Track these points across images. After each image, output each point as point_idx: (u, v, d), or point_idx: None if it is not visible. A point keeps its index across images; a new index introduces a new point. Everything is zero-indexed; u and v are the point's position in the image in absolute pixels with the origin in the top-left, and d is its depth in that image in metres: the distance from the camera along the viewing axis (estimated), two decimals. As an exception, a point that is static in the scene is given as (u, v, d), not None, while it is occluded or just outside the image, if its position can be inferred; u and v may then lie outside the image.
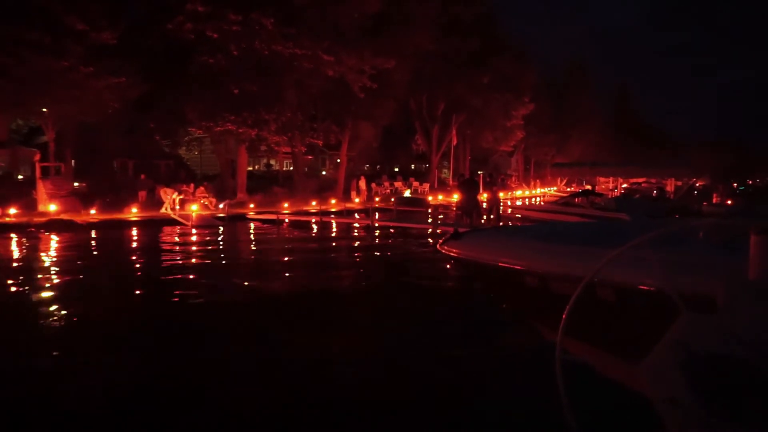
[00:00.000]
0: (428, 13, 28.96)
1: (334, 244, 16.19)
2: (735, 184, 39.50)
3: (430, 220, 22.03)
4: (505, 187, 42.79)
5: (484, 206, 20.52)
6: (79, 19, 18.60)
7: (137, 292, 9.22)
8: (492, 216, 19.48)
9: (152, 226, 18.49)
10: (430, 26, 29.18)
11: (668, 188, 33.71)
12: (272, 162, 44.91)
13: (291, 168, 45.53)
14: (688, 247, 2.38)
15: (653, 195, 28.68)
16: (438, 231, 17.01)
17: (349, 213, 24.14)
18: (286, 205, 23.52)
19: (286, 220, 20.76)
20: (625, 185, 41.59)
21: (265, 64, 22.96)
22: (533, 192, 46.92)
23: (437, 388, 4.77)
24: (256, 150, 29.03)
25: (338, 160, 34.94)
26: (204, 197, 22.65)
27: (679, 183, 35.69)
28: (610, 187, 41.04)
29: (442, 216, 23.24)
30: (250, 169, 38.47)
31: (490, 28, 37.41)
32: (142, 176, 24.04)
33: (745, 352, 1.68)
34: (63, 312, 7.73)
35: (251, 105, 23.13)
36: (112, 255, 13.54)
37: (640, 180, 42.22)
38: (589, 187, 37.64)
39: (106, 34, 19.31)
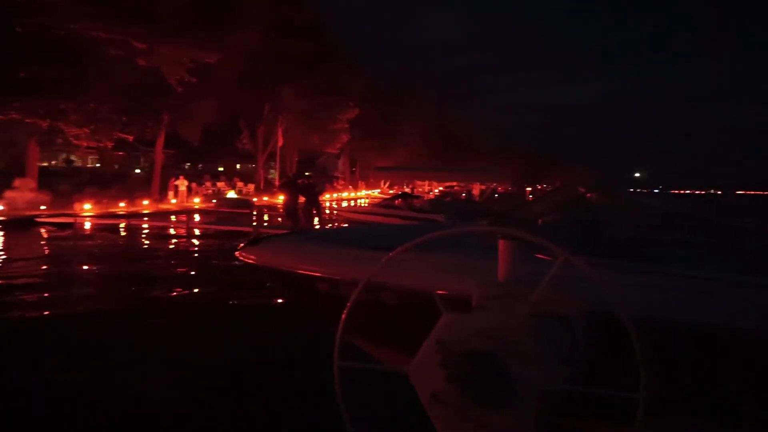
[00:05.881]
0: (256, 11, 28.19)
1: (128, 252, 14.25)
2: (528, 189, 45.47)
3: (254, 223, 21.42)
4: (333, 188, 43.65)
5: (312, 209, 20.58)
6: None
7: None
8: (315, 218, 19.65)
9: None
10: (258, 25, 28.44)
11: (474, 191, 37.50)
12: (74, 158, 39.78)
13: (98, 165, 40.87)
14: (457, 250, 2.60)
15: (462, 198, 31.59)
16: (260, 234, 16.58)
17: (164, 215, 22.41)
18: (87, 206, 20.92)
19: (87, 224, 18.42)
20: (439, 188, 45.36)
21: (62, 46, 20.20)
22: (359, 194, 48.59)
23: (218, 392, 4.64)
24: (51, 144, 25.41)
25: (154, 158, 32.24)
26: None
27: (483, 187, 40.06)
28: (426, 190, 44.40)
29: (267, 218, 22.81)
30: (45, 165, 33.54)
31: (319, 33, 37.76)
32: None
33: (490, 346, 1.87)
34: None
35: (43, 92, 20.16)
36: None
37: (453, 183, 46.41)
38: (408, 190, 40.15)
39: None
